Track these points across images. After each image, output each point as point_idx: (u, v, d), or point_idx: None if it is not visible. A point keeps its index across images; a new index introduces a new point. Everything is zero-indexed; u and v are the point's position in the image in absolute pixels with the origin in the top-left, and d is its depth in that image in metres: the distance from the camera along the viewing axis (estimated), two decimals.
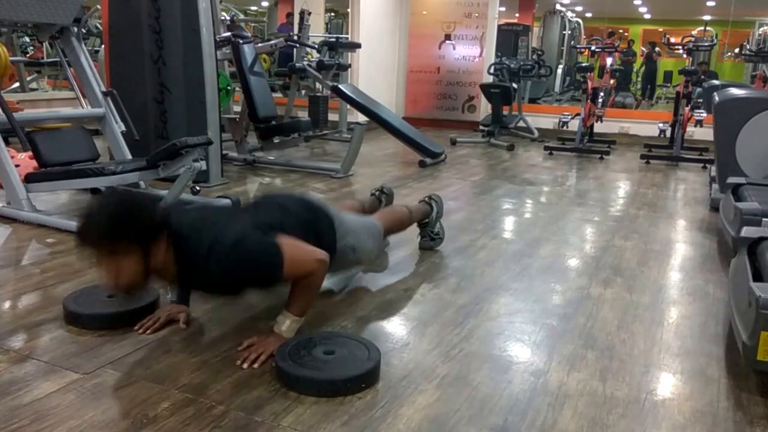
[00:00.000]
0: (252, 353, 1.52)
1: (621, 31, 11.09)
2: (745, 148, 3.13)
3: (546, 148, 5.34)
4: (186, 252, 1.48)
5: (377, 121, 4.57)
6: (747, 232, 1.94)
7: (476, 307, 1.94)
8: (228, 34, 4.14)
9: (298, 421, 1.30)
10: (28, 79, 6.22)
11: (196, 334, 1.68)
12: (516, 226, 3.11)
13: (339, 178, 3.93)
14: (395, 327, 1.79)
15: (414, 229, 2.59)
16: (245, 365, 1.49)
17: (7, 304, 1.88)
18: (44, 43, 6.27)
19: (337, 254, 1.80)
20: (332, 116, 5.83)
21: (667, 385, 1.53)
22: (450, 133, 6.00)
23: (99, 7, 3.73)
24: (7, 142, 2.82)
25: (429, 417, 1.34)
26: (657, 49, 10.05)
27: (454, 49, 6.77)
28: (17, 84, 5.94)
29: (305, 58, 5.66)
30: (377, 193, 2.54)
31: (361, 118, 4.82)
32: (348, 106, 5.28)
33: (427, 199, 2.50)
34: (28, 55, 6.99)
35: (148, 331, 1.66)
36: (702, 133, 5.29)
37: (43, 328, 1.69)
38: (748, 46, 6.99)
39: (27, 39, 7.12)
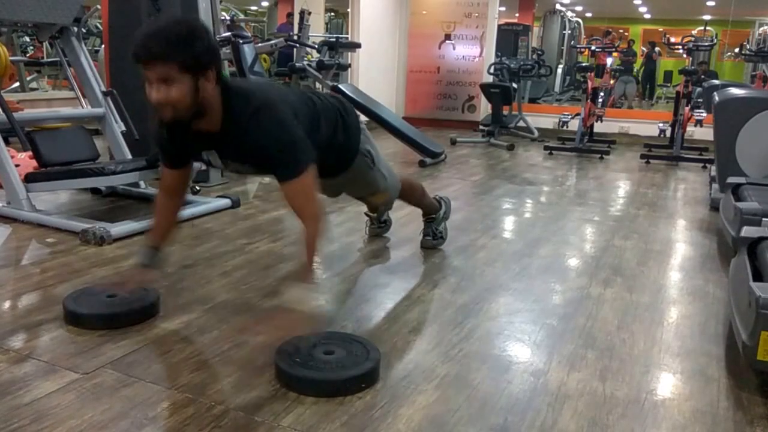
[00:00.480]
0: (265, 325, 1.49)
1: (621, 30, 11.09)
2: (745, 148, 3.13)
3: (546, 147, 5.34)
4: (234, 103, 1.49)
5: (377, 120, 4.57)
6: (747, 231, 1.94)
7: (476, 307, 1.94)
8: (228, 34, 4.14)
9: (298, 421, 1.30)
10: (28, 78, 6.22)
11: (196, 334, 1.68)
12: (516, 225, 3.11)
13: None
14: (395, 327, 1.79)
15: (415, 228, 2.60)
16: (255, 333, 1.46)
17: (7, 304, 1.88)
18: (44, 43, 6.26)
19: (358, 155, 1.90)
20: None
21: (667, 385, 1.53)
22: (450, 133, 6.00)
23: (99, 6, 3.73)
24: (7, 142, 2.81)
25: (429, 417, 1.34)
26: (657, 48, 10.05)
27: (454, 48, 6.77)
28: (17, 84, 5.94)
29: (305, 58, 5.66)
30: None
31: (362, 117, 4.81)
32: None
33: (437, 197, 2.53)
34: (28, 55, 6.99)
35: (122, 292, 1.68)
36: (702, 132, 5.29)
37: (42, 327, 1.69)
38: (748, 46, 7.00)
39: (27, 39, 7.12)
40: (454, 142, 5.61)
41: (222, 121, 1.51)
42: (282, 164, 1.53)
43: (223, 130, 1.53)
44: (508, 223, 3.15)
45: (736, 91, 3.34)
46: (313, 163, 1.56)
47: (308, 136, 1.59)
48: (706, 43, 5.93)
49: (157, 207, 1.74)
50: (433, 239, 2.49)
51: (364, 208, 2.56)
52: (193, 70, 1.40)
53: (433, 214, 2.48)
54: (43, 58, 6.69)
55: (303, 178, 1.53)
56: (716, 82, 5.23)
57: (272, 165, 1.56)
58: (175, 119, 1.47)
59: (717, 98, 3.26)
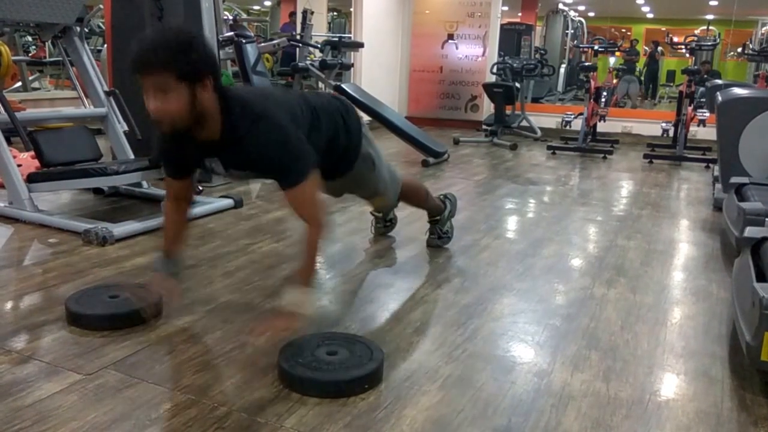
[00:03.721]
0: (261, 327, 1.50)
1: (624, 30, 11.06)
2: (748, 148, 3.12)
3: (549, 147, 5.33)
4: (233, 113, 1.49)
5: (380, 120, 4.56)
6: (750, 232, 1.93)
7: (479, 308, 1.93)
8: (231, 33, 4.14)
9: (301, 423, 1.29)
10: (31, 78, 6.23)
11: (199, 335, 1.68)
12: (519, 225, 3.10)
13: None
14: (398, 327, 1.79)
15: (420, 226, 2.59)
16: (251, 336, 1.46)
17: (9, 305, 1.88)
18: (47, 43, 6.27)
19: (359, 158, 1.90)
20: None
21: (670, 385, 1.52)
22: (453, 133, 5.99)
23: (101, 6, 3.73)
24: (9, 142, 2.82)
25: (432, 418, 1.33)
26: (660, 48, 10.03)
27: (456, 48, 6.77)
28: (20, 83, 5.95)
29: (308, 58, 5.66)
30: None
31: (364, 117, 4.81)
32: None
33: (442, 196, 2.52)
34: (30, 55, 6.99)
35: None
36: (705, 132, 5.27)
37: (45, 328, 1.69)
38: (751, 46, 6.97)
39: (29, 38, 7.13)
40: (456, 142, 5.60)
41: (221, 131, 1.51)
42: (284, 172, 1.53)
43: (223, 139, 1.53)
44: (512, 223, 3.14)
45: (739, 91, 3.33)
46: (314, 168, 1.56)
47: (308, 139, 1.59)
48: (709, 43, 5.91)
49: (167, 215, 1.76)
50: (438, 238, 2.49)
51: (368, 207, 2.56)
52: (189, 79, 1.41)
53: (438, 216, 2.47)
54: (45, 57, 6.70)
55: (305, 184, 1.53)
56: (719, 81, 5.20)
57: (274, 173, 1.56)
58: (174, 129, 1.47)
59: (720, 98, 3.25)
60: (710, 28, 8.32)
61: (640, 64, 10.38)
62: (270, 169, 1.55)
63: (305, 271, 1.59)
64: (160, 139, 1.64)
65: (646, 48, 10.70)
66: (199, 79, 1.42)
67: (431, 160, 4.48)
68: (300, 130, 1.58)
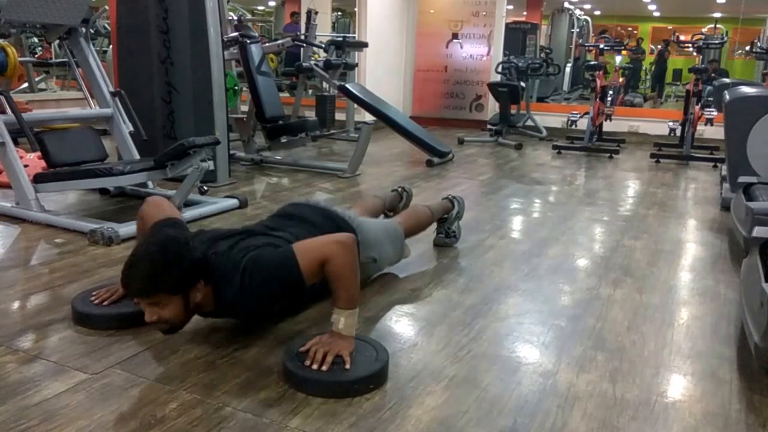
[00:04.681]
0: (318, 353, 1.44)
1: (630, 29, 11.01)
2: (756, 147, 3.09)
3: (554, 147, 5.31)
4: (222, 291, 1.53)
5: (385, 120, 4.56)
6: (759, 231, 1.92)
7: (485, 308, 1.92)
8: (235, 34, 4.15)
9: (306, 423, 1.29)
10: (37, 79, 6.27)
11: (204, 334, 1.68)
12: (524, 226, 3.09)
13: (346, 177, 3.93)
14: (403, 327, 1.79)
15: (426, 230, 2.59)
16: (314, 366, 1.41)
17: (16, 305, 1.89)
18: (53, 44, 6.31)
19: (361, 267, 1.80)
20: (339, 116, 5.83)
21: (677, 386, 1.51)
22: (457, 133, 5.98)
23: (107, 7, 3.75)
24: (16, 143, 2.83)
25: (437, 418, 1.33)
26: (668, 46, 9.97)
27: (461, 47, 6.75)
28: (26, 84, 5.98)
29: (312, 58, 5.67)
30: (399, 189, 2.55)
31: (369, 117, 4.81)
32: (355, 106, 5.27)
33: (450, 196, 2.54)
34: (36, 56, 7.05)
35: (105, 303, 1.71)
36: (712, 131, 5.24)
37: (51, 328, 1.69)
38: (759, 44, 6.90)
39: (36, 39, 7.17)
40: (461, 142, 5.59)
41: (214, 303, 1.55)
42: (287, 284, 1.53)
43: (218, 309, 1.57)
44: (517, 223, 3.13)
45: (747, 90, 3.31)
46: (295, 252, 1.52)
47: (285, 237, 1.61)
48: (717, 41, 5.87)
49: None
50: (446, 237, 2.49)
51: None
52: (182, 290, 1.46)
53: (445, 215, 2.49)
54: (51, 58, 6.75)
55: (298, 256, 1.51)
56: (727, 80, 5.19)
57: (285, 294, 1.58)
58: (174, 331, 1.53)
59: (728, 97, 3.22)
60: (717, 26, 8.26)
61: (646, 63, 10.33)
62: (280, 297, 1.58)
63: (351, 295, 1.52)
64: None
65: (653, 47, 10.64)
66: (191, 286, 1.48)
67: (436, 160, 4.47)
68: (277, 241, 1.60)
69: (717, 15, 9.62)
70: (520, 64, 6.20)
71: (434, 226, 2.51)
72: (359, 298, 1.57)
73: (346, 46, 5.59)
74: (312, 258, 1.51)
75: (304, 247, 1.55)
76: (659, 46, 10.20)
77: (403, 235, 2.16)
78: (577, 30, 9.98)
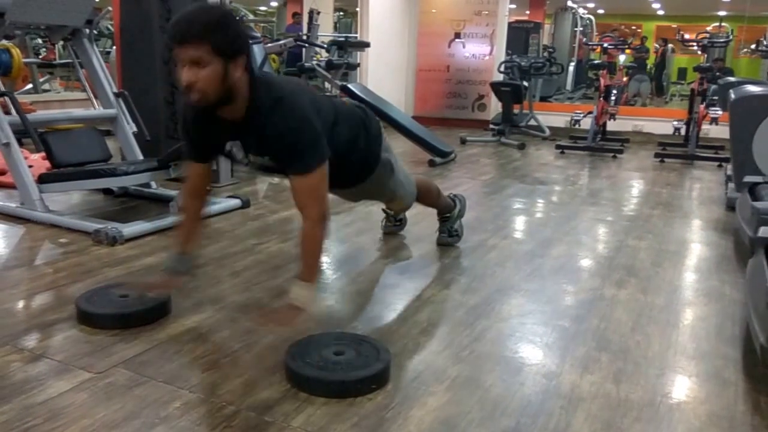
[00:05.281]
0: (264, 318, 1.53)
1: (634, 27, 10.97)
2: (762, 146, 3.07)
3: (558, 146, 5.29)
4: (260, 94, 1.52)
5: (387, 120, 4.56)
6: (764, 231, 1.90)
7: (487, 308, 1.92)
8: None
9: (309, 422, 1.29)
10: (41, 80, 6.29)
11: (207, 334, 1.69)
12: (527, 226, 3.08)
13: None
14: (405, 328, 1.78)
15: (427, 226, 2.59)
16: (251, 322, 1.50)
17: (20, 304, 1.90)
18: (57, 45, 6.33)
19: (379, 165, 1.93)
20: None
21: (682, 388, 1.50)
22: (460, 132, 5.97)
23: (110, 8, 3.76)
24: (20, 143, 2.84)
25: (440, 419, 1.32)
26: (670, 45, 9.94)
27: (464, 47, 6.74)
28: (30, 85, 6.01)
29: (314, 58, 5.67)
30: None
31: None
32: None
33: (452, 195, 2.54)
34: (40, 57, 7.06)
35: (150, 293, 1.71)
36: (717, 131, 5.21)
37: (56, 327, 1.70)
38: (764, 42, 6.87)
39: (40, 41, 7.20)
40: (464, 142, 5.58)
41: (246, 110, 1.53)
42: (295, 157, 1.54)
43: (246, 118, 1.54)
44: (520, 223, 3.13)
45: (752, 89, 3.28)
46: (324, 163, 1.56)
47: (326, 135, 1.59)
48: (722, 40, 5.85)
49: (183, 211, 1.76)
50: (448, 236, 2.49)
51: (374, 206, 2.56)
52: (224, 54, 1.43)
53: (448, 213, 2.49)
54: (55, 59, 6.76)
55: (313, 176, 1.55)
56: (732, 79, 5.15)
57: (286, 156, 1.57)
58: (203, 102, 1.49)
59: (733, 96, 3.20)
60: (723, 24, 8.22)
61: (651, 61, 10.29)
62: (283, 152, 1.56)
63: (308, 268, 1.59)
64: (185, 118, 1.67)
65: (656, 45, 10.61)
66: (233, 55, 1.45)
67: (438, 159, 4.47)
68: (321, 123, 1.59)
69: (722, 13, 9.59)
70: (522, 64, 6.18)
71: (434, 224, 2.51)
72: (317, 275, 1.64)
73: (348, 46, 5.58)
74: (315, 189, 1.56)
75: (324, 176, 1.57)
76: (659, 45, 10.17)
77: (415, 185, 2.23)
78: (581, 29, 9.95)
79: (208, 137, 1.65)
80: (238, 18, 1.51)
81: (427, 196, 2.38)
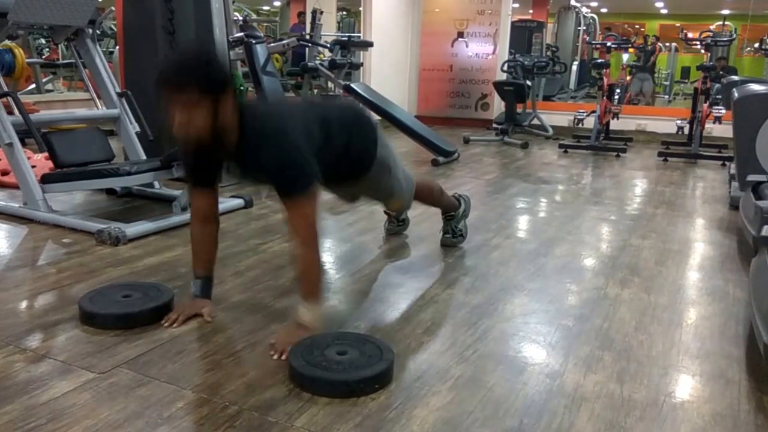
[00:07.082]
0: (279, 345, 1.55)
1: (637, 26, 10.95)
2: (765, 145, 3.06)
3: (561, 146, 5.28)
4: (249, 124, 1.59)
5: (390, 119, 4.55)
6: None
7: (490, 308, 1.92)
8: (241, 34, 4.15)
9: (312, 422, 1.29)
10: (44, 80, 6.30)
11: (210, 334, 1.69)
12: (530, 225, 3.08)
13: None
14: (409, 327, 1.78)
15: (430, 226, 2.58)
16: (275, 356, 1.52)
17: (23, 304, 1.91)
18: (60, 45, 6.34)
19: (375, 163, 1.93)
20: None
21: (686, 387, 1.50)
22: (463, 132, 5.97)
23: (113, 8, 3.77)
24: (23, 143, 2.85)
25: (443, 418, 1.32)
26: (659, 44, 9.89)
27: (467, 46, 6.74)
28: (33, 85, 6.02)
29: (317, 58, 5.67)
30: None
31: (374, 117, 4.80)
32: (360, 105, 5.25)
33: (456, 195, 2.54)
34: (43, 57, 7.08)
35: (175, 325, 1.69)
36: (721, 129, 5.19)
37: (59, 327, 1.70)
38: None
39: (43, 41, 7.22)
40: (467, 141, 5.58)
41: (237, 141, 1.60)
42: (286, 183, 1.60)
43: (239, 148, 1.61)
44: (523, 222, 3.12)
45: (756, 88, 3.27)
46: (314, 186, 1.61)
47: (318, 157, 1.64)
48: (725, 39, 5.82)
49: (194, 238, 1.80)
50: (452, 237, 2.49)
51: (377, 207, 2.55)
52: (212, 92, 1.51)
53: (452, 212, 2.49)
54: (58, 59, 6.78)
55: (304, 199, 1.59)
56: (735, 78, 5.14)
57: (276, 182, 1.62)
58: (197, 143, 1.56)
59: (736, 94, 3.19)
60: (726, 23, 8.19)
61: (662, 63, 10.25)
62: (273, 178, 1.62)
63: (311, 292, 1.63)
64: (183, 152, 1.74)
65: (660, 45, 10.56)
66: (221, 91, 1.52)
67: (441, 159, 4.46)
68: (311, 147, 1.64)
69: (725, 12, 9.55)
70: (526, 63, 6.17)
71: (437, 224, 2.50)
72: (320, 295, 1.67)
73: (351, 46, 5.58)
74: (305, 210, 1.59)
75: (314, 198, 1.62)
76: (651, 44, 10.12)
77: (414, 184, 2.23)
78: (584, 28, 9.92)
79: (207, 164, 1.73)
80: (217, 57, 1.61)
81: (428, 195, 2.38)
